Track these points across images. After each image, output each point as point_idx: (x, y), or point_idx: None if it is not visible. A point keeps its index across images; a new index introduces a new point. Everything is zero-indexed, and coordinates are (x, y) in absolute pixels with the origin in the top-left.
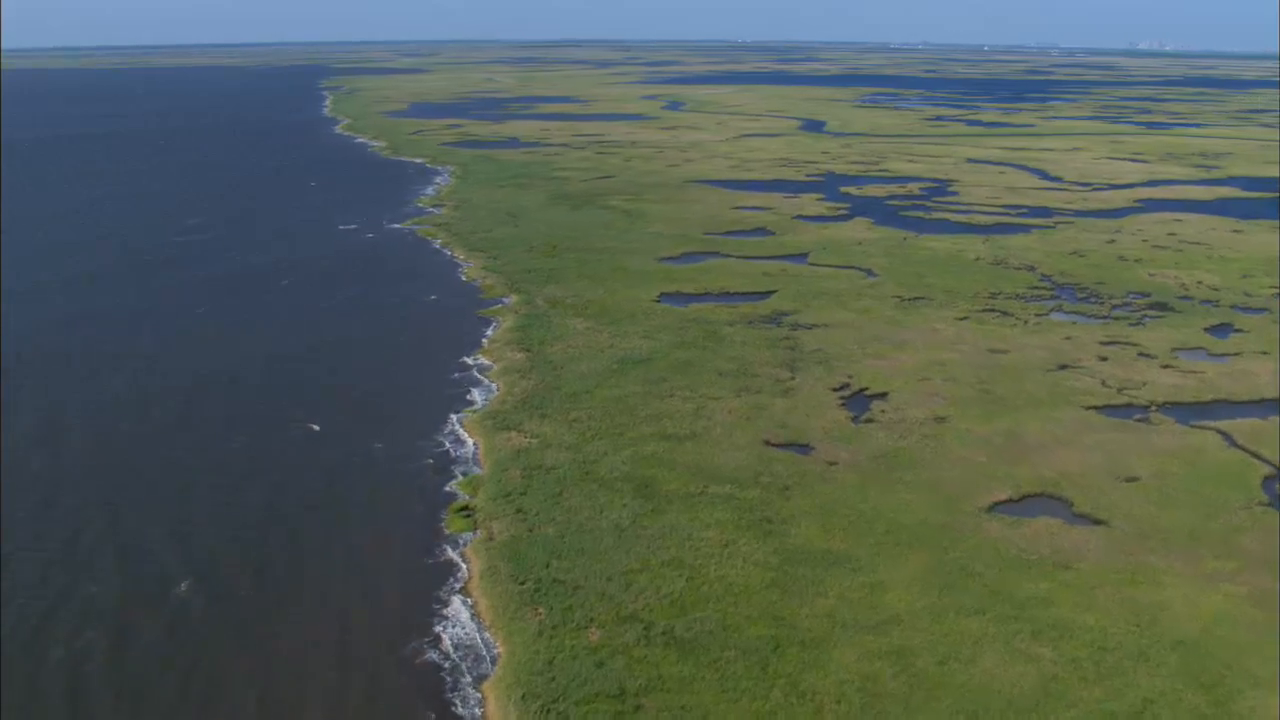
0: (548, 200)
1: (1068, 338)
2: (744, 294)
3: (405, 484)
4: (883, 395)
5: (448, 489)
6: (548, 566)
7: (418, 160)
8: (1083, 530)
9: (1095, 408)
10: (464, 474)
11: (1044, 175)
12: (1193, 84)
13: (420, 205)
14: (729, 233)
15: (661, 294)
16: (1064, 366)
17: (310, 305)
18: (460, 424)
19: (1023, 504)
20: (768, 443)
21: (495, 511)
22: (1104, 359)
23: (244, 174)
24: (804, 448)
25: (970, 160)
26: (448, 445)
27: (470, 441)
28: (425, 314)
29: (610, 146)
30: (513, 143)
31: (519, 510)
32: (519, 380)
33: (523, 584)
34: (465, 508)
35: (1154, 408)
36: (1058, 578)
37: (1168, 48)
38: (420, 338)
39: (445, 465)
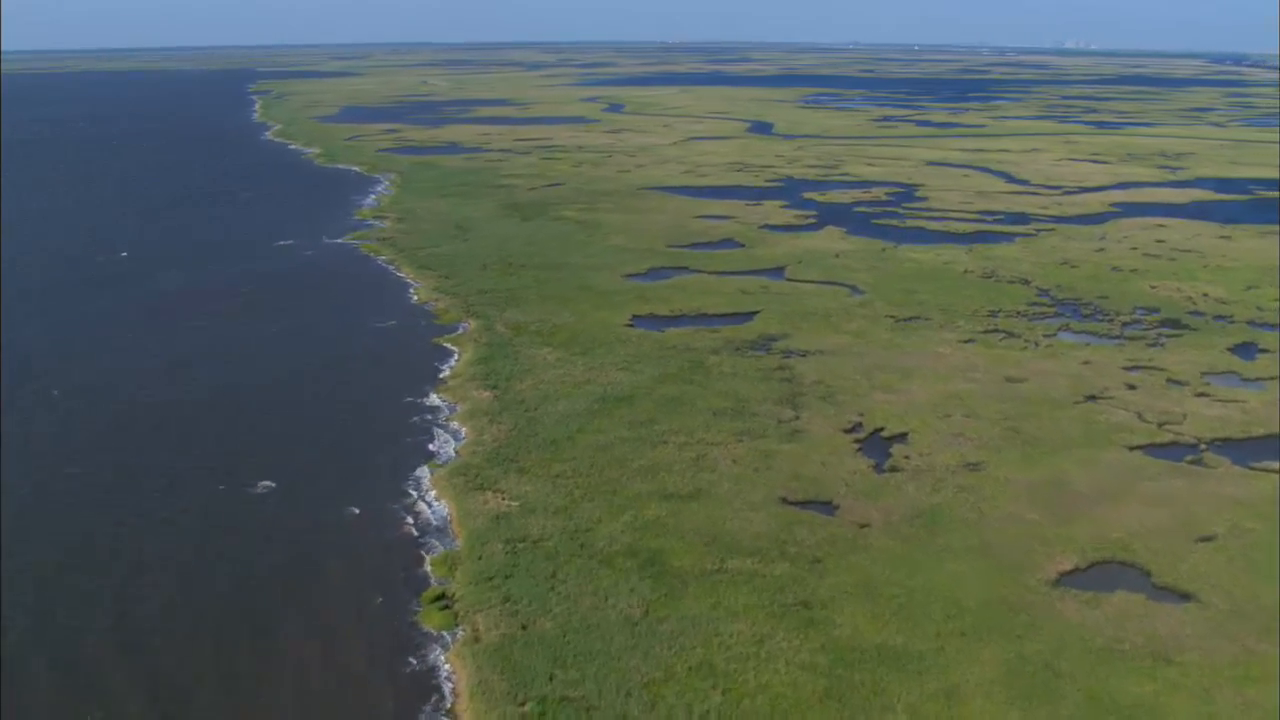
0: (497, 210)
1: (1086, 362)
2: (724, 316)
3: (369, 565)
4: (902, 437)
5: (419, 570)
6: (551, 679)
7: (355, 168)
8: (1171, 608)
9: (1140, 448)
10: (437, 550)
11: (1009, 178)
12: (1129, 82)
13: (361, 217)
14: (695, 245)
15: (634, 317)
16: (1091, 397)
17: (248, 334)
18: (427, 482)
19: (1093, 574)
20: (785, 500)
21: (479, 601)
22: (1132, 387)
23: (169, 186)
24: (827, 506)
25: (930, 163)
26: (414, 511)
27: (440, 505)
28: (376, 344)
29: (556, 151)
30: (453, 148)
31: (507, 599)
32: (488, 425)
33: (523, 705)
34: (442, 596)
35: (1204, 446)
36: (1161, 675)
37: (1093, 46)
38: (373, 373)
39: (413, 538)
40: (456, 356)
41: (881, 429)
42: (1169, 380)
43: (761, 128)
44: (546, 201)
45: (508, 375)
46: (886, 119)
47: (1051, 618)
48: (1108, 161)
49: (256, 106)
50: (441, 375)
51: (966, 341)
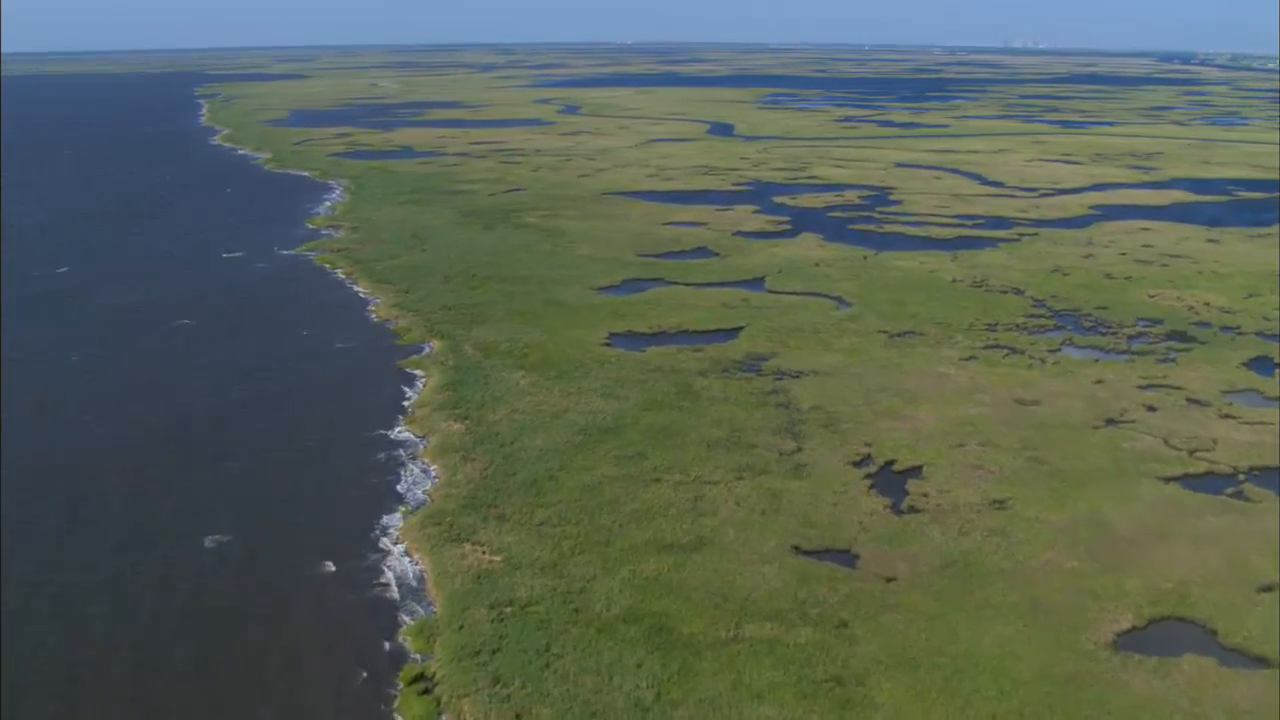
0: (456, 218)
1: (1099, 381)
2: (707, 333)
3: (335, 636)
4: (916, 471)
5: (393, 643)
6: None
7: (306, 174)
8: (1247, 676)
9: (1174, 479)
10: (412, 616)
11: (983, 180)
12: (1084, 81)
13: (314, 227)
14: (667, 254)
15: (610, 335)
16: (1111, 421)
17: (196, 359)
18: (396, 532)
19: (1154, 634)
20: (798, 550)
21: (464, 684)
22: (1151, 409)
23: (111, 196)
24: (845, 555)
25: (900, 164)
26: (384, 569)
27: (412, 561)
28: (334, 368)
29: (513, 155)
30: (407, 152)
31: (497, 680)
32: (461, 463)
33: None
34: (421, 676)
35: (1242, 476)
36: None
37: (1041, 45)
38: (332, 402)
39: (384, 602)
40: (422, 382)
41: (893, 462)
42: (1189, 400)
43: (722, 129)
44: (507, 208)
45: (479, 403)
46: (848, 119)
47: (1119, 691)
48: (1079, 162)
49: (203, 110)
50: (407, 404)
51: (968, 359)
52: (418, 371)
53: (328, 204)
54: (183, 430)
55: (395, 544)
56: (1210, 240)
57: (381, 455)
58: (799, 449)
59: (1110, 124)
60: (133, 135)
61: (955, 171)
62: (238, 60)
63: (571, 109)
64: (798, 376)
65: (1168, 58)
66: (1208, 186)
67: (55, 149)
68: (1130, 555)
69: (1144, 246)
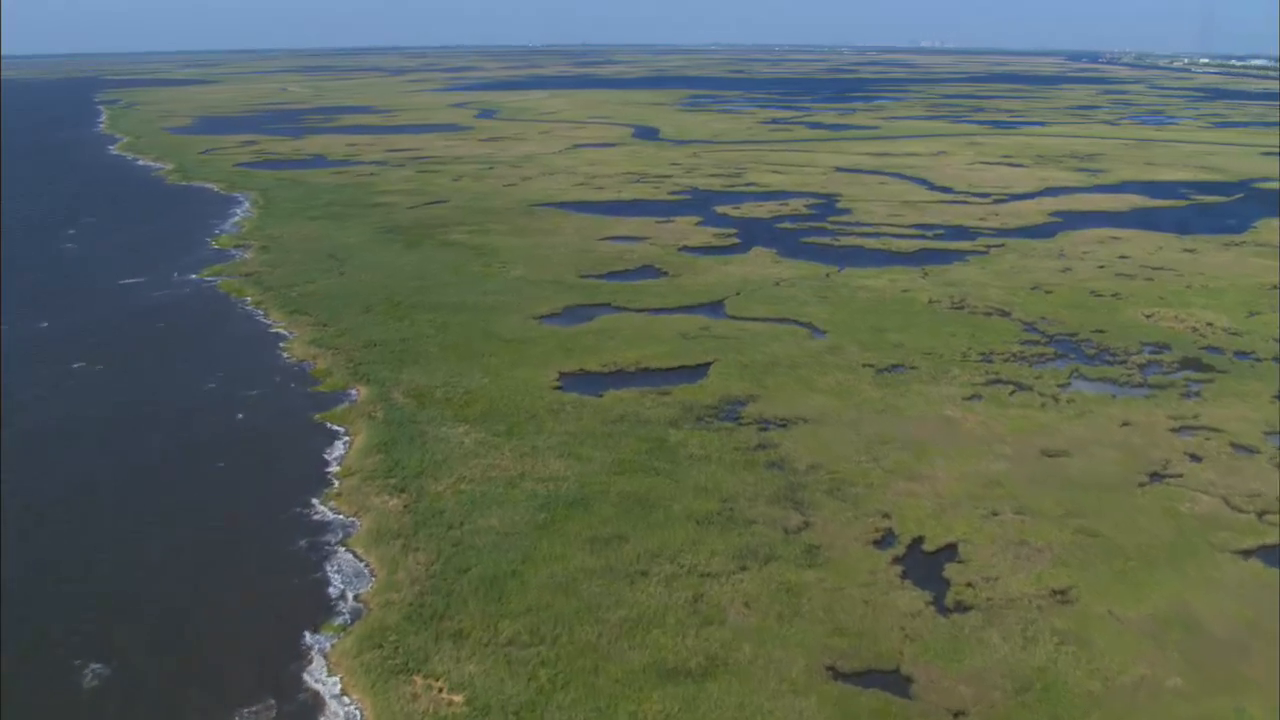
0: (375, 235)
1: (1125, 423)
2: (671, 371)
3: None
4: (950, 550)
5: None
6: None
7: (211, 185)
8: None
9: (1251, 552)
10: None
11: (930, 185)
12: (1000, 80)
13: (219, 246)
14: (610, 274)
15: (561, 375)
16: (1156, 476)
17: (75, 412)
18: (326, 660)
19: None
20: (834, 672)
21: None
22: (1195, 458)
23: None
24: (893, 677)
25: (840, 169)
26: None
27: (349, 704)
28: (240, 423)
29: (432, 163)
30: (319, 161)
31: None
32: (402, 554)
33: None
34: None
35: None
36: None
37: (949, 45)
38: (238, 470)
39: None
40: (346, 441)
41: (920, 539)
42: (1234, 446)
43: (647, 133)
44: (430, 223)
45: (417, 470)
46: (774, 121)
47: None
48: (1023, 164)
49: (103, 117)
50: (330, 471)
51: (970, 398)
52: (341, 427)
53: (235, 220)
54: (46, 516)
55: (326, 677)
56: (1186, 250)
57: (302, 543)
58: (806, 524)
59: (1040, 124)
60: (20, 145)
61: (899, 176)
62: (140, 66)
63: (488, 113)
64: (785, 426)
65: (1075, 56)
66: (1161, 190)
67: None
68: (1237, 665)
69: (1120, 258)
